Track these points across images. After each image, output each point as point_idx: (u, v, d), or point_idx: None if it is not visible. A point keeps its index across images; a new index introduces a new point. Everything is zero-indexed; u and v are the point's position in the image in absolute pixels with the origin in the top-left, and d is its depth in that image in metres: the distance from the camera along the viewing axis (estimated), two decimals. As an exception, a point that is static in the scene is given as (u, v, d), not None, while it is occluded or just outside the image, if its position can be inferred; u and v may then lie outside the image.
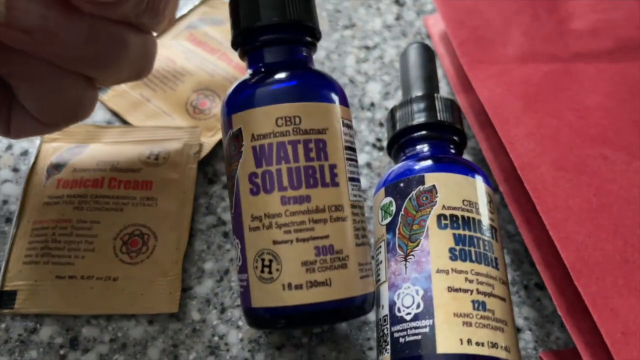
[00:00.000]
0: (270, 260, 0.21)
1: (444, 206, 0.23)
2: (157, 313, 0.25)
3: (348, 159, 0.22)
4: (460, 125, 0.27)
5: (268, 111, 0.21)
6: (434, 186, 0.23)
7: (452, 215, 0.23)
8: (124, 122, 0.30)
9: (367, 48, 0.35)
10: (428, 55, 0.29)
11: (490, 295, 0.21)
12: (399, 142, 0.27)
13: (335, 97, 0.23)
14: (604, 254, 0.23)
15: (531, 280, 0.27)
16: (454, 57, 0.34)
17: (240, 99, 0.22)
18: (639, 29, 0.33)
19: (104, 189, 0.26)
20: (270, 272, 0.21)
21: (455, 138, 0.27)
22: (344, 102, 0.23)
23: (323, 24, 0.36)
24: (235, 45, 0.24)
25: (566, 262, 0.23)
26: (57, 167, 0.27)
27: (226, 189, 0.29)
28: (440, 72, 0.34)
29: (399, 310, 0.22)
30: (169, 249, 0.26)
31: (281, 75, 0.22)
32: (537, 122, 0.28)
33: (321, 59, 0.34)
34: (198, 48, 0.33)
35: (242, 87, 0.23)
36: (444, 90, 0.34)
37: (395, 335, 0.21)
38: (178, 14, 0.34)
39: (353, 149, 0.23)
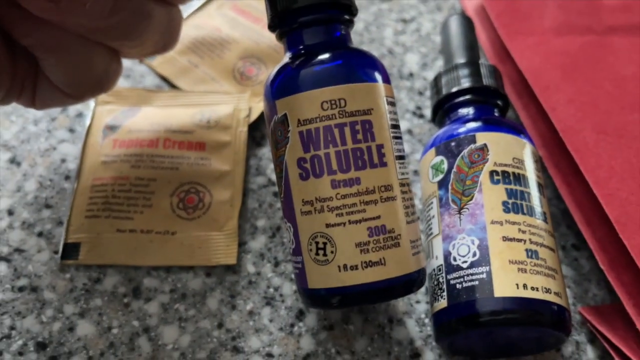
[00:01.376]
0: (325, 243, 0.21)
1: (495, 163, 0.24)
2: (216, 265, 0.26)
3: (394, 137, 0.22)
4: (503, 90, 0.28)
5: (313, 95, 0.21)
6: (485, 144, 0.24)
7: (503, 172, 0.24)
8: (173, 87, 0.31)
9: (404, 21, 0.36)
10: (468, 25, 0.30)
11: (541, 245, 0.23)
12: (445, 107, 0.28)
13: (378, 75, 0.22)
14: None
15: (568, 241, 0.29)
16: (489, 30, 0.35)
17: (283, 84, 0.22)
18: None
19: (159, 148, 0.28)
20: (325, 255, 0.21)
21: (500, 102, 0.28)
22: (386, 79, 0.23)
23: (360, -3, 0.37)
24: (272, 27, 0.23)
25: (611, 216, 0.24)
26: (112, 128, 0.28)
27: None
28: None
29: (454, 260, 0.23)
30: (224, 206, 0.27)
31: (323, 57, 0.22)
32: (577, 90, 0.29)
33: (360, 30, 0.35)
34: (242, 17, 0.34)
35: (284, 71, 0.22)
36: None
37: (452, 282, 0.23)
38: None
39: (398, 127, 0.23)
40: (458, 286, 0.22)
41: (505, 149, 0.25)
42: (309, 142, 0.21)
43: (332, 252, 0.21)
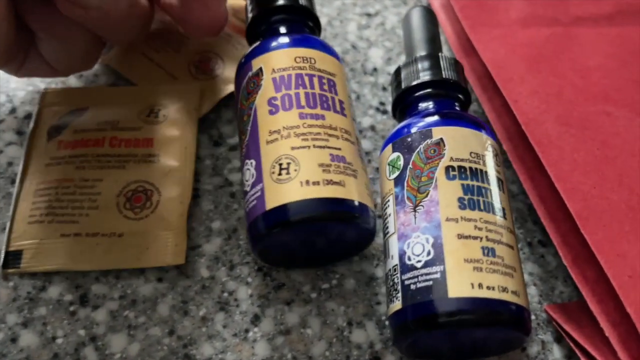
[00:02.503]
0: (289, 163, 0.23)
1: (451, 158, 0.23)
2: (164, 266, 0.25)
3: (351, 105, 0.26)
4: (464, 83, 0.27)
5: (288, 52, 0.25)
6: (441, 139, 0.24)
7: (460, 167, 0.23)
8: (128, 83, 0.31)
9: (369, 15, 0.35)
10: (430, 17, 0.30)
11: (499, 242, 0.22)
12: (405, 101, 0.27)
13: (337, 55, 0.27)
14: (610, 203, 0.24)
15: (534, 237, 0.28)
16: (454, 23, 0.34)
17: (260, 48, 0.26)
18: None
19: (105, 147, 0.27)
20: (288, 173, 0.23)
21: (460, 96, 0.27)
22: (343, 64, 0.28)
23: (323, -9, 0.36)
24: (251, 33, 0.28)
25: (572, 211, 0.24)
26: (57, 129, 0.28)
27: (232, 150, 0.29)
28: (441, 39, 0.35)
29: (409, 259, 0.22)
30: (173, 203, 0.26)
31: (290, 29, 0.27)
32: (541, 81, 0.29)
33: (323, 25, 0.35)
34: None
35: (261, 42, 0.26)
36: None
37: (406, 282, 0.22)
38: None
39: (350, 97, 0.27)
40: (412, 287, 0.22)
41: (463, 143, 0.24)
42: (281, 84, 0.24)
43: (295, 170, 0.23)
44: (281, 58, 0.25)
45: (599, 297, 0.23)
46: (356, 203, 0.23)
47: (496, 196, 0.23)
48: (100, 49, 0.26)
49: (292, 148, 0.23)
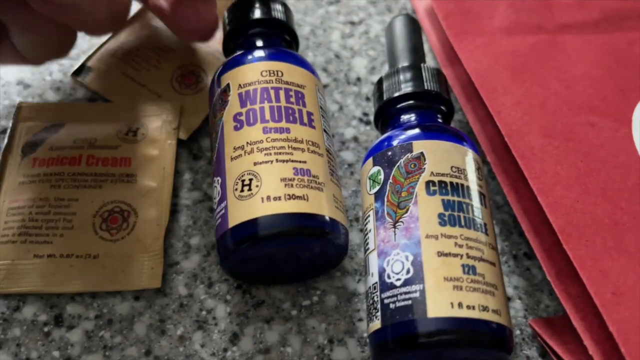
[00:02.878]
0: (251, 179, 0.23)
1: (432, 173, 0.23)
2: (139, 289, 0.24)
3: (322, 116, 0.25)
4: (447, 95, 0.27)
5: (255, 66, 0.25)
6: (422, 153, 0.23)
7: (440, 182, 0.23)
8: (106, 100, 0.30)
9: (353, 23, 0.35)
10: (414, 26, 0.29)
11: (480, 259, 0.22)
12: (386, 113, 0.27)
13: (310, 69, 0.26)
14: (593, 217, 0.23)
15: (520, 250, 0.28)
16: (439, 32, 0.34)
17: (229, 64, 0.26)
18: (624, 1, 0.33)
19: (82, 166, 0.26)
20: (250, 189, 0.22)
21: (443, 108, 0.27)
22: (315, 74, 0.27)
23: (307, 0, 0.36)
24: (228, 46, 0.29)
25: (555, 226, 0.23)
26: (32, 146, 0.27)
27: (212, 164, 0.29)
28: (426, 47, 0.34)
29: (388, 277, 0.22)
30: (150, 225, 0.26)
31: (262, 43, 0.27)
32: (525, 91, 0.28)
33: (306, 34, 0.34)
34: None
35: (231, 58, 0.26)
36: (430, 65, 0.34)
37: (386, 301, 0.22)
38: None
39: (326, 113, 0.26)
40: (392, 306, 0.21)
41: (444, 157, 0.23)
42: (246, 99, 0.24)
43: (257, 186, 0.22)
44: (248, 73, 0.25)
45: (583, 314, 0.23)
46: (322, 217, 0.22)
47: (478, 211, 0.23)
48: (74, 38, 0.26)
49: (255, 164, 0.23)
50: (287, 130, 0.23)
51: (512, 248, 0.28)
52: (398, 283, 0.21)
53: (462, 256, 0.21)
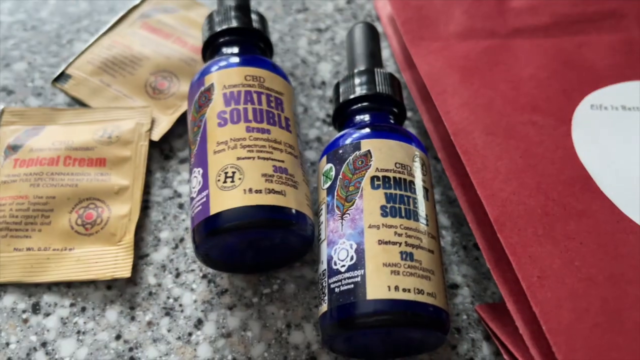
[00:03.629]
0: (234, 172, 0.25)
1: (377, 169, 0.25)
2: (111, 279, 0.27)
3: (296, 122, 0.28)
4: (399, 97, 0.29)
5: (238, 70, 0.27)
6: (368, 151, 0.26)
7: (384, 177, 0.25)
8: (85, 105, 0.32)
9: (319, 30, 0.37)
10: (372, 33, 0.31)
11: (418, 247, 0.24)
12: (342, 114, 0.29)
13: (286, 76, 0.29)
14: (526, 208, 0.25)
15: (470, 241, 0.30)
16: (400, 37, 0.36)
17: (212, 65, 0.28)
18: (574, 6, 0.35)
19: (60, 166, 0.29)
20: (232, 181, 0.24)
21: (395, 109, 0.29)
22: (290, 84, 0.29)
23: (276, 8, 0.38)
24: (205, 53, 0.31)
25: (491, 216, 0.25)
26: (14, 148, 0.29)
27: (182, 163, 0.31)
28: (388, 52, 0.37)
29: (335, 264, 0.24)
30: (122, 220, 0.28)
31: (242, 50, 0.30)
32: (473, 93, 0.31)
33: (274, 41, 0.36)
34: (153, 34, 0.35)
35: (216, 60, 0.28)
36: (391, 68, 0.36)
37: (332, 286, 0.24)
38: (130, 5, 0.36)
39: (297, 116, 0.28)
40: (336, 290, 0.23)
41: (389, 154, 0.26)
42: (231, 99, 0.26)
43: (239, 178, 0.24)
44: (232, 75, 0.27)
45: (516, 297, 0.25)
46: (294, 211, 0.25)
47: (420, 204, 0.25)
48: None
49: (238, 158, 0.25)
50: (268, 131, 0.26)
51: (462, 239, 0.30)
52: (343, 269, 0.24)
53: (400, 244, 0.24)
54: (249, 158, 0.25)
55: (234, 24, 0.30)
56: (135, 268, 0.28)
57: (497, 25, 0.35)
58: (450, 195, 0.31)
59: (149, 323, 0.26)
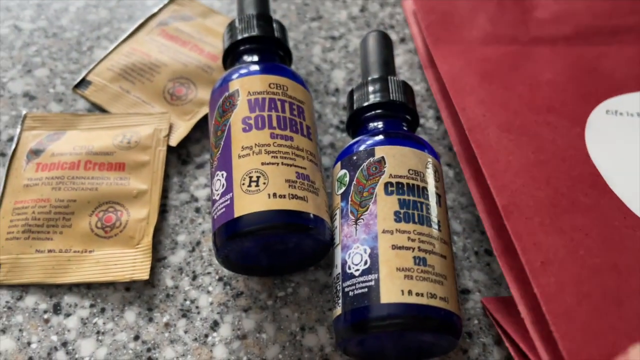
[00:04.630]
0: (258, 177, 0.26)
1: (391, 175, 0.26)
2: (130, 280, 0.28)
3: (316, 131, 0.29)
4: (412, 105, 0.30)
5: (262, 77, 0.28)
6: (382, 157, 0.26)
7: (398, 183, 0.26)
8: (104, 111, 0.34)
9: (333, 38, 0.38)
10: (385, 41, 0.32)
11: (431, 252, 0.24)
12: (356, 121, 0.30)
13: (306, 86, 0.30)
14: (535, 199, 0.26)
15: (481, 246, 0.30)
16: (424, 37, 0.37)
17: (236, 73, 0.29)
18: (597, 18, 0.36)
19: (80, 170, 0.30)
20: (257, 185, 0.25)
21: (408, 117, 0.30)
22: (310, 94, 0.30)
23: (291, 16, 0.39)
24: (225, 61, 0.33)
25: (499, 205, 0.26)
26: (36, 152, 0.31)
27: (199, 168, 0.32)
28: (411, 48, 0.38)
29: (349, 268, 0.25)
30: (140, 223, 0.29)
31: (264, 58, 0.31)
32: (490, 92, 0.32)
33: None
34: (170, 42, 0.36)
35: (239, 67, 0.30)
36: (415, 64, 0.37)
37: (346, 289, 0.24)
38: (148, 13, 0.37)
39: (315, 125, 0.30)
40: (350, 294, 0.24)
41: (402, 161, 0.26)
42: (255, 105, 0.27)
43: (264, 183, 0.25)
44: (256, 82, 0.28)
45: (520, 285, 0.25)
46: (313, 216, 0.25)
47: (433, 210, 0.26)
48: None
49: (262, 163, 0.26)
50: (291, 138, 0.27)
51: (474, 245, 0.30)
52: (357, 273, 0.24)
53: (414, 249, 0.24)
54: (273, 164, 0.26)
55: (256, 32, 0.31)
56: (153, 270, 0.29)
57: (519, 33, 0.35)
58: (462, 201, 0.32)
59: (167, 324, 0.27)
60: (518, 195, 0.26)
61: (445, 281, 0.24)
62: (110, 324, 0.27)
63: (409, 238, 0.25)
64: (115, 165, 0.30)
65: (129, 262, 0.28)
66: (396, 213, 0.25)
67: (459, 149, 0.31)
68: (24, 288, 0.28)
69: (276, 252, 0.27)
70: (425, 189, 0.26)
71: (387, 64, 0.31)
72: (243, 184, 0.25)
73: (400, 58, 0.38)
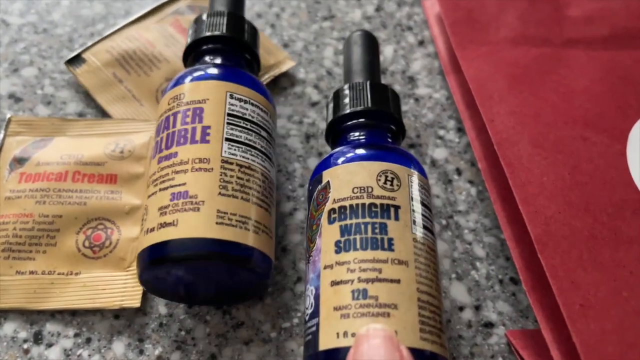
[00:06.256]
0: (143, 215, 0.25)
1: (334, 200, 0.24)
2: (119, 307, 0.26)
3: (230, 124, 0.26)
4: (397, 113, 0.27)
5: (166, 96, 0.27)
6: (328, 182, 0.25)
7: (340, 207, 0.23)
8: (96, 113, 0.32)
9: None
10: (370, 43, 0.30)
11: (374, 280, 0.22)
12: (335, 131, 0.28)
13: (221, 73, 0.27)
14: (572, 229, 0.24)
15: (506, 274, 0.28)
16: (447, 39, 0.36)
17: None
18: (635, 19, 0.34)
19: (68, 182, 0.28)
20: (142, 222, 0.24)
21: (392, 126, 0.27)
22: (237, 80, 0.27)
23: (301, 15, 0.37)
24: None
25: (532, 234, 0.24)
26: (20, 161, 0.29)
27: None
28: (432, 52, 0.36)
29: (304, 313, 0.23)
30: (132, 243, 0.27)
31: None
32: (521, 102, 0.30)
33: (299, 50, 0.36)
34: (181, 35, 0.34)
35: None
36: (435, 71, 0.35)
37: (305, 337, 0.23)
38: (146, 9, 0.36)
39: (240, 117, 0.26)
40: (305, 340, 0.23)
41: (347, 180, 0.24)
42: (156, 130, 0.26)
43: (144, 219, 0.24)
44: (162, 104, 0.27)
45: (553, 325, 0.24)
46: (196, 240, 0.23)
47: (380, 228, 0.23)
48: None
49: (148, 197, 0.25)
50: (175, 154, 0.25)
51: (498, 272, 0.28)
52: (307, 318, 0.23)
53: (352, 281, 0.22)
54: (152, 194, 0.24)
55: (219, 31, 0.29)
56: (145, 296, 0.27)
57: (551, 34, 0.34)
58: (486, 223, 0.30)
59: (159, 358, 0.26)
60: (553, 223, 0.24)
61: (394, 311, 0.21)
62: (96, 357, 0.25)
63: (348, 269, 0.22)
64: (106, 177, 0.28)
65: (119, 287, 0.26)
66: (337, 243, 0.23)
67: (484, 166, 0.30)
68: (2, 314, 0.26)
69: (193, 282, 0.25)
70: (372, 205, 0.23)
71: (372, 68, 0.29)
72: (143, 221, 0.24)
73: (419, 63, 0.36)
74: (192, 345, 0.26)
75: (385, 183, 0.24)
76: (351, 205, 0.23)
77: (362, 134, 0.27)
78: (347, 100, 0.27)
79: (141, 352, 0.26)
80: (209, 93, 0.26)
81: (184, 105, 0.26)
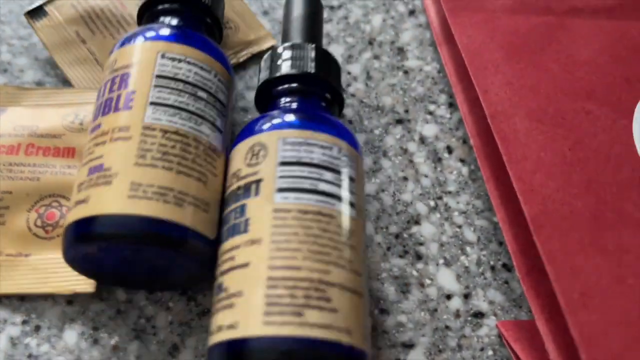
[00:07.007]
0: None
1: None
2: (72, 292, 0.24)
3: (157, 86, 0.23)
4: (335, 81, 0.25)
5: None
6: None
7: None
8: (56, 81, 0.30)
9: (332, 8, 0.34)
10: (313, 2, 0.28)
11: (228, 270, 0.21)
12: (264, 95, 0.26)
13: (156, 34, 0.25)
14: (572, 210, 0.22)
15: (499, 260, 0.26)
16: (439, 6, 0.34)
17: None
18: None
19: (20, 155, 0.26)
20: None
21: (327, 95, 0.25)
22: (173, 39, 0.25)
23: (283, -20, 0.35)
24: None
25: (527, 215, 0.22)
26: (-30, 133, 0.27)
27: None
28: (423, 22, 0.33)
29: None
30: (90, 222, 0.25)
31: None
32: (518, 72, 0.28)
33: (279, 18, 0.33)
34: None
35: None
36: (425, 41, 0.33)
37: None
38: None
39: (175, 79, 0.24)
40: None
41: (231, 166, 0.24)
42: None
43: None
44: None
45: (549, 315, 0.22)
46: (100, 216, 0.20)
47: (242, 210, 0.21)
48: None
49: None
50: (99, 126, 0.23)
51: (490, 258, 0.26)
52: None
53: (216, 278, 0.22)
54: (79, 171, 0.23)
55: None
56: (102, 280, 0.25)
57: (553, 1, 0.31)
58: (477, 205, 0.28)
59: (115, 347, 0.24)
60: (551, 203, 0.22)
61: (239, 299, 0.19)
62: (45, 346, 0.23)
63: (217, 266, 0.22)
64: (63, 151, 0.26)
65: (72, 270, 0.24)
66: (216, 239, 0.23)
67: (477, 142, 0.27)
68: (-56, 298, 0.24)
69: (121, 265, 0.22)
70: (238, 188, 0.22)
71: (312, 30, 0.27)
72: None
73: (409, 33, 0.34)
74: (152, 334, 0.24)
75: (251, 159, 0.22)
76: (226, 198, 0.23)
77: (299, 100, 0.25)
78: (282, 61, 0.25)
79: (95, 341, 0.24)
80: (138, 56, 0.24)
81: (113, 72, 0.24)
